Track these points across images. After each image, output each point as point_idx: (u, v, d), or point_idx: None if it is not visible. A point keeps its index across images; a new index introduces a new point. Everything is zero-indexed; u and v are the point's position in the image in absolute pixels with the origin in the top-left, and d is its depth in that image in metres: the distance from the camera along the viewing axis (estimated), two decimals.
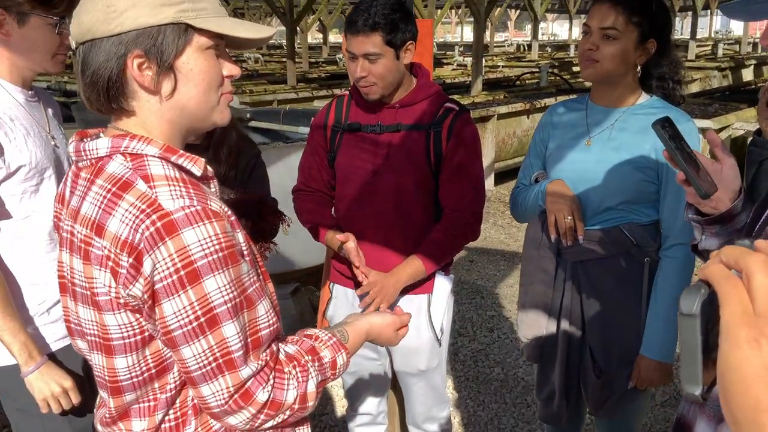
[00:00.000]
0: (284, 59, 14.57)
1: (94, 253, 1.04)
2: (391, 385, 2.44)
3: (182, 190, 1.03)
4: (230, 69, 1.14)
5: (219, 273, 1.01)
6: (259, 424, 1.11)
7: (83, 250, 1.06)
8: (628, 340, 1.94)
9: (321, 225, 2.10)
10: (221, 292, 1.01)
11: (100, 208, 1.04)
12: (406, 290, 2.10)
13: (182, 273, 0.99)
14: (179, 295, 1.00)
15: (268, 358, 1.10)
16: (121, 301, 1.04)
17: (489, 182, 7.79)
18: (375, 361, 2.28)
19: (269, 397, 1.08)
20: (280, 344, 1.17)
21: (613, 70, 1.84)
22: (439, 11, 18.35)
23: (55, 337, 1.77)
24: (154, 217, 0.99)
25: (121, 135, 1.08)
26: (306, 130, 2.56)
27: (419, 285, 2.11)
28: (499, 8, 25.10)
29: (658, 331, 1.88)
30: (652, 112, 1.86)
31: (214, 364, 1.04)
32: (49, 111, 1.87)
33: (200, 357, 1.03)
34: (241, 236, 1.09)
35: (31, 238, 1.72)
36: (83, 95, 1.09)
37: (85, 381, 1.75)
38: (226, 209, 1.08)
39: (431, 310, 2.14)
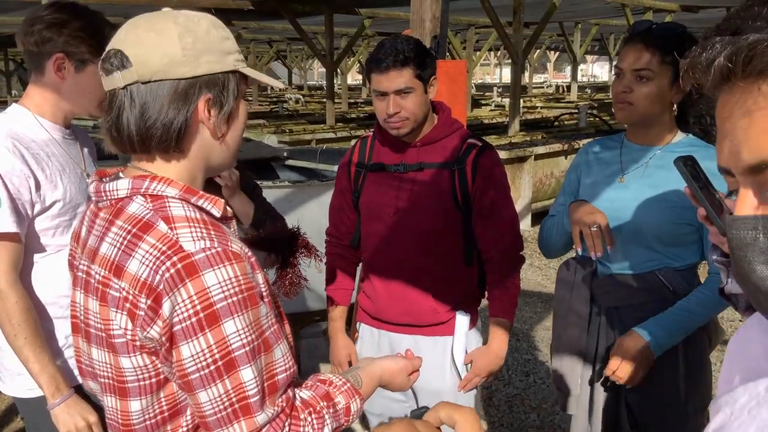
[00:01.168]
0: (324, 100, 14.83)
1: (111, 294, 1.03)
2: None
3: (203, 232, 1.02)
4: None
5: (238, 315, 0.99)
6: None
7: (100, 292, 1.05)
8: (665, 391, 1.85)
9: (334, 299, 2.22)
10: (240, 335, 1.00)
11: (119, 249, 1.03)
12: (431, 332, 2.07)
13: (201, 315, 0.97)
14: (197, 338, 0.98)
15: (284, 404, 1.08)
16: (138, 343, 1.02)
17: (526, 223, 7.71)
18: (403, 404, 2.24)
19: None
20: (295, 389, 1.15)
21: (648, 112, 1.79)
22: (477, 53, 18.52)
23: None
24: (174, 258, 0.98)
25: (142, 176, 1.08)
26: None
27: (442, 326, 2.08)
28: (537, 50, 25.22)
29: (666, 321, 1.78)
30: (689, 150, 1.81)
31: (229, 410, 1.01)
32: (85, 149, 1.91)
33: (216, 402, 1.01)
34: (260, 277, 1.08)
35: (63, 272, 1.74)
36: (123, 135, 1.07)
37: None
38: (246, 250, 1.07)
39: (454, 352, 2.10)
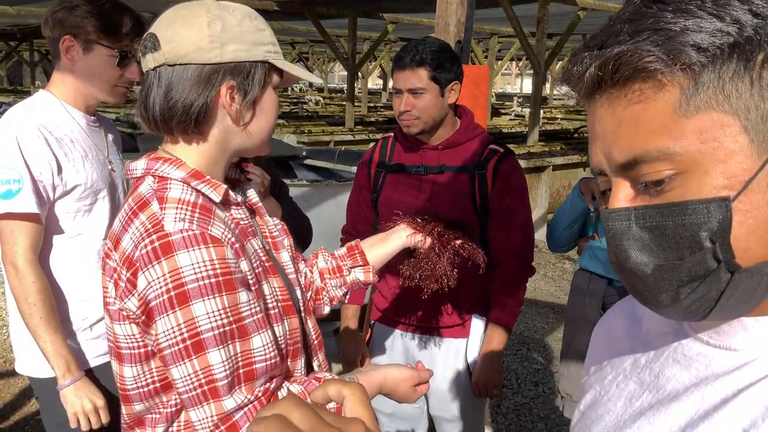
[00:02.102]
0: (344, 102, 14.88)
1: (108, 264, 1.10)
2: (429, 429, 2.38)
3: (186, 214, 1.05)
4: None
5: (209, 298, 1.01)
6: None
7: (104, 262, 1.13)
8: None
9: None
10: (209, 317, 1.02)
11: (121, 224, 1.10)
12: (446, 333, 2.06)
13: (173, 294, 1.00)
14: (168, 315, 1.01)
15: (260, 394, 1.07)
16: (124, 313, 1.07)
17: (542, 233, 7.68)
18: (413, 404, 2.23)
19: None
20: (285, 382, 1.15)
21: None
22: (499, 62, 18.50)
23: (95, 354, 1.80)
24: (153, 236, 1.02)
25: (155, 158, 1.13)
26: None
27: (457, 329, 2.07)
28: (560, 61, 25.15)
29: None
30: None
31: (198, 390, 1.04)
32: (110, 137, 1.93)
33: (186, 380, 1.04)
34: (245, 265, 1.09)
35: (81, 256, 1.77)
36: (149, 114, 1.12)
37: (118, 402, 1.76)
38: (229, 236, 1.07)
39: (468, 355, 2.09)
